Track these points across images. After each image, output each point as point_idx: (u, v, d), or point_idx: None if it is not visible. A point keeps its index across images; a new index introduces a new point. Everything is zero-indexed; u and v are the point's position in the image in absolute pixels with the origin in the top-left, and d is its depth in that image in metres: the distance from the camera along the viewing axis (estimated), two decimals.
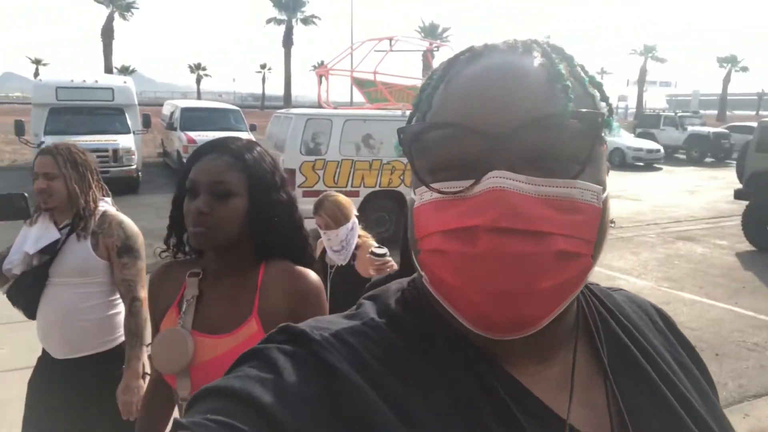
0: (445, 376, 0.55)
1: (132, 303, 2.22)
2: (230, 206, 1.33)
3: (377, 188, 8.03)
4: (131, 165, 11.89)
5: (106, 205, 2.31)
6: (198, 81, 63.48)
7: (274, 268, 1.39)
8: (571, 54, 0.58)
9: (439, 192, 0.53)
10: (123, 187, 11.76)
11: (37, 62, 66.75)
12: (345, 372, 0.52)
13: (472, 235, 0.50)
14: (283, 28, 45.65)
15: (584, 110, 0.52)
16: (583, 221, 0.51)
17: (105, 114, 12.54)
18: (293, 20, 45.98)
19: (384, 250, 2.75)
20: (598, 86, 0.57)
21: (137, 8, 42.44)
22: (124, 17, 41.69)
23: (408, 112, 0.63)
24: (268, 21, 46.76)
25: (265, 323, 1.32)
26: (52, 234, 2.17)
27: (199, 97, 50.34)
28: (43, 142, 11.31)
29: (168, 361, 1.33)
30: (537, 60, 0.55)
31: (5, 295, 2.22)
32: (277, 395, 0.49)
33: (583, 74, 0.57)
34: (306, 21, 47.22)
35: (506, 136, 0.50)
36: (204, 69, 64.97)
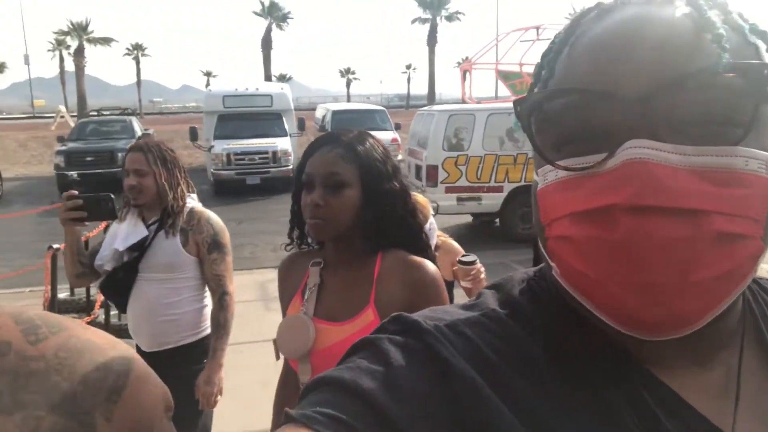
0: (580, 378, 0.48)
1: (222, 297, 2.26)
2: (343, 197, 1.36)
3: (522, 183, 7.77)
4: (288, 165, 12.75)
5: (192, 201, 2.35)
6: (348, 85, 66.44)
7: (390, 258, 1.41)
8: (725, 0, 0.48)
9: (566, 169, 0.46)
10: (280, 185, 12.66)
11: (208, 74, 74.39)
12: (459, 367, 0.47)
13: (609, 217, 0.43)
14: (427, 26, 46.14)
15: (744, 62, 0.44)
16: (747, 196, 0.43)
17: (265, 119, 13.57)
18: (437, 18, 46.27)
19: (472, 257, 2.55)
20: (762, 35, 0.48)
21: (292, 18, 45.44)
22: (280, 27, 44.87)
23: None
24: (413, 21, 47.52)
25: (381, 313, 1.34)
26: (140, 231, 2.24)
27: (348, 101, 52.57)
28: (212, 146, 12.61)
29: (291, 346, 1.39)
30: (680, 9, 0.46)
31: (99, 289, 2.37)
32: (388, 388, 0.45)
33: (741, 22, 0.48)
34: (450, 18, 47.27)
35: (646, 98, 0.42)
36: (353, 73, 67.85)
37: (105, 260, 2.26)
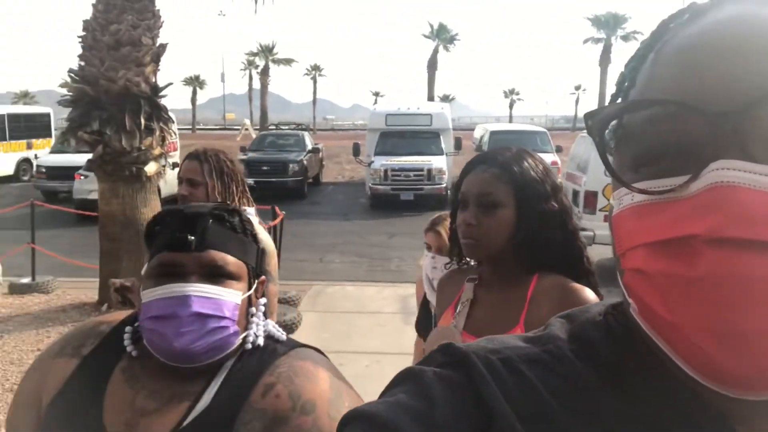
0: None
1: None
2: (497, 217, 1.34)
3: None
4: (442, 183, 12.97)
5: (249, 217, 2.23)
6: (511, 105, 65.57)
7: (546, 280, 1.36)
8: None
9: (643, 193, 0.40)
10: (433, 202, 12.88)
11: (376, 94, 78.02)
12: (501, 412, 0.42)
13: (688, 250, 0.37)
14: (600, 46, 44.11)
15: None
16: None
17: (423, 137, 13.97)
18: (612, 38, 44.06)
19: None
20: None
21: (459, 39, 46.05)
22: (447, 49, 45.70)
23: None
24: (585, 41, 45.70)
25: None
26: None
27: (510, 121, 51.89)
28: (372, 161, 13.21)
29: None
30: None
31: None
32: (425, 429, 0.42)
33: None
34: (626, 37, 44.68)
35: (739, 112, 0.36)
36: (517, 93, 66.85)
37: None
